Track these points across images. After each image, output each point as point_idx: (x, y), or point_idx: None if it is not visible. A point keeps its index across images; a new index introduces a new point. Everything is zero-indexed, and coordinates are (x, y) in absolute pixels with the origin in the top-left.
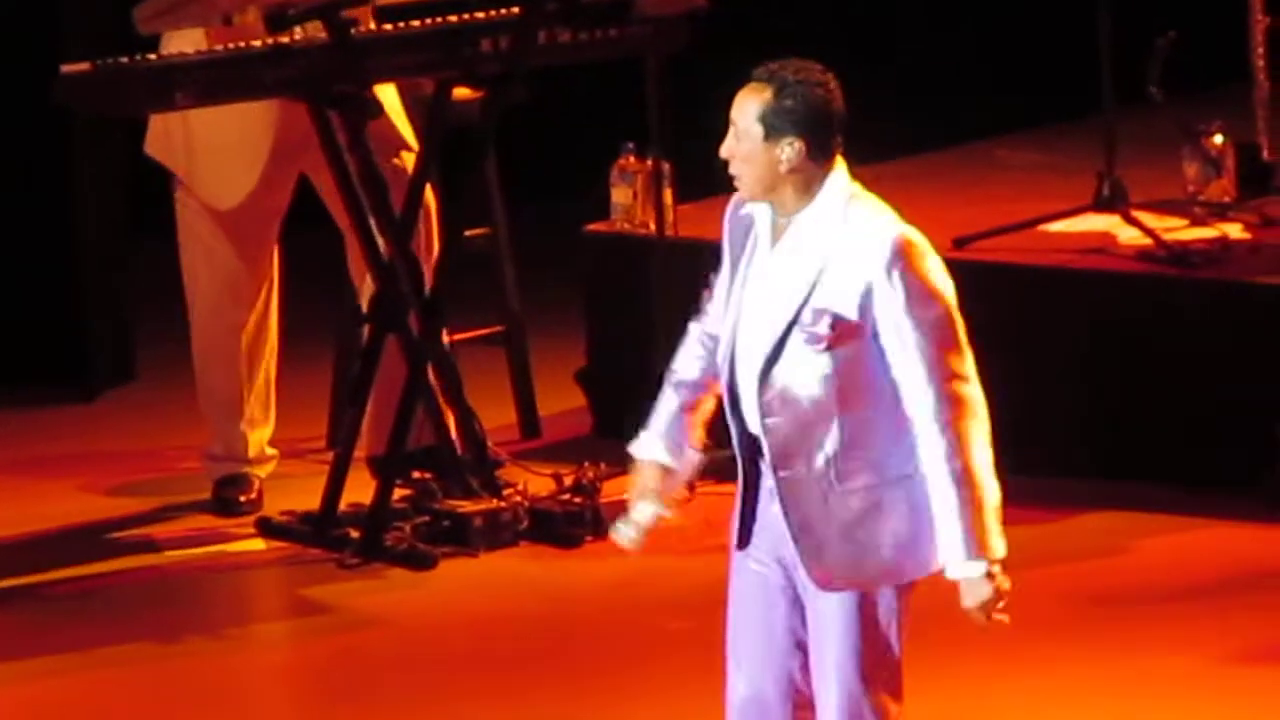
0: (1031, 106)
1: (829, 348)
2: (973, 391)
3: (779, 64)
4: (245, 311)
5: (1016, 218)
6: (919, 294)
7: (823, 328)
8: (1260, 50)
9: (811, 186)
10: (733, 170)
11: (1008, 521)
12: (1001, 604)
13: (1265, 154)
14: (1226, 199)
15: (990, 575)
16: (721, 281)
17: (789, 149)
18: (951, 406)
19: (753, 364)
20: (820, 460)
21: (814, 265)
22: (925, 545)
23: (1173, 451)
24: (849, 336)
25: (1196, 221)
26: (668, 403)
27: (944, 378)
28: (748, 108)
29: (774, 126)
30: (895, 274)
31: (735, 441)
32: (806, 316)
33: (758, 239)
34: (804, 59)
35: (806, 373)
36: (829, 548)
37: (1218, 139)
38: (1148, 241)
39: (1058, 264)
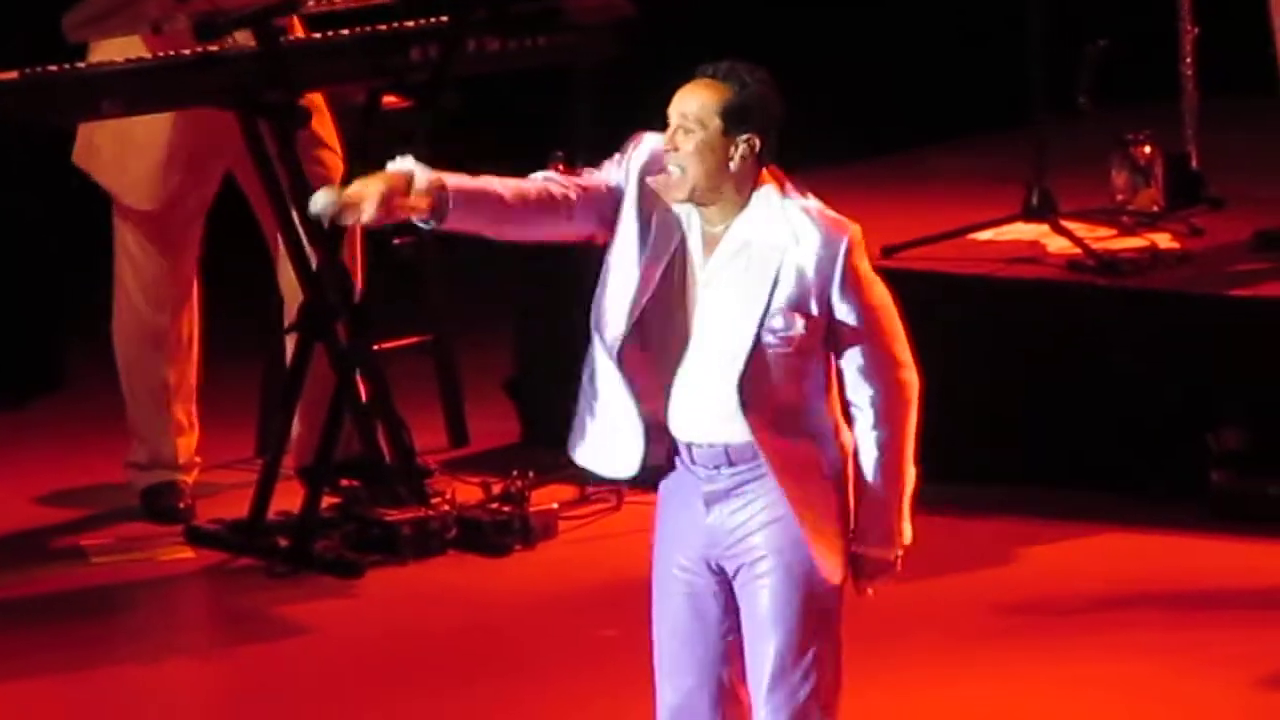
0: (961, 115)
1: (797, 345)
2: (912, 378)
3: (727, 63)
4: (167, 316)
5: (945, 226)
6: (867, 284)
7: (796, 329)
8: (1189, 60)
9: (745, 189)
10: (672, 166)
11: (940, 531)
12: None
13: (1194, 163)
14: (1155, 208)
15: (895, 560)
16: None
17: (744, 145)
18: (893, 393)
19: (722, 373)
20: (800, 452)
21: (769, 267)
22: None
23: (1104, 460)
24: (816, 332)
25: (1125, 231)
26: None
27: (889, 365)
28: (704, 102)
29: (734, 122)
30: (847, 266)
31: (661, 449)
32: (775, 319)
33: (689, 250)
34: (741, 61)
35: (777, 372)
36: (823, 532)
37: (1146, 148)
38: (1077, 250)
39: (986, 273)
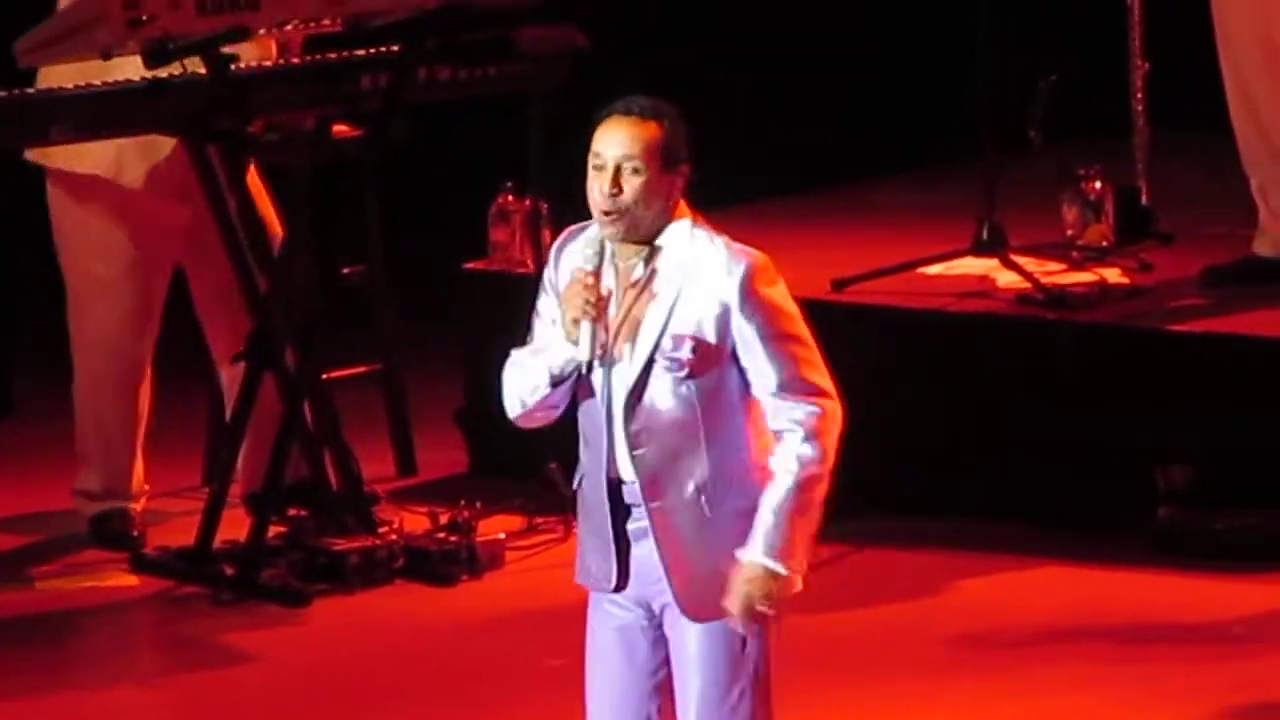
0: (911, 149)
1: (691, 374)
2: (827, 405)
3: (644, 100)
4: (147, 346)
5: (895, 260)
6: (774, 313)
7: (684, 353)
8: (1139, 95)
9: (670, 217)
10: (619, 206)
11: (887, 564)
12: (769, 608)
13: (1144, 198)
14: (1105, 243)
15: (789, 582)
16: (549, 312)
17: (681, 179)
18: (810, 421)
19: (618, 400)
20: (690, 489)
21: (670, 293)
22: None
23: (1052, 494)
24: (710, 360)
25: (1075, 265)
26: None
27: (804, 392)
28: (645, 141)
29: (670, 158)
30: (750, 295)
31: (593, 485)
32: (666, 343)
33: (614, 287)
34: (650, 97)
35: (672, 402)
36: (701, 578)
37: (1097, 183)
38: (1026, 285)
39: (936, 307)
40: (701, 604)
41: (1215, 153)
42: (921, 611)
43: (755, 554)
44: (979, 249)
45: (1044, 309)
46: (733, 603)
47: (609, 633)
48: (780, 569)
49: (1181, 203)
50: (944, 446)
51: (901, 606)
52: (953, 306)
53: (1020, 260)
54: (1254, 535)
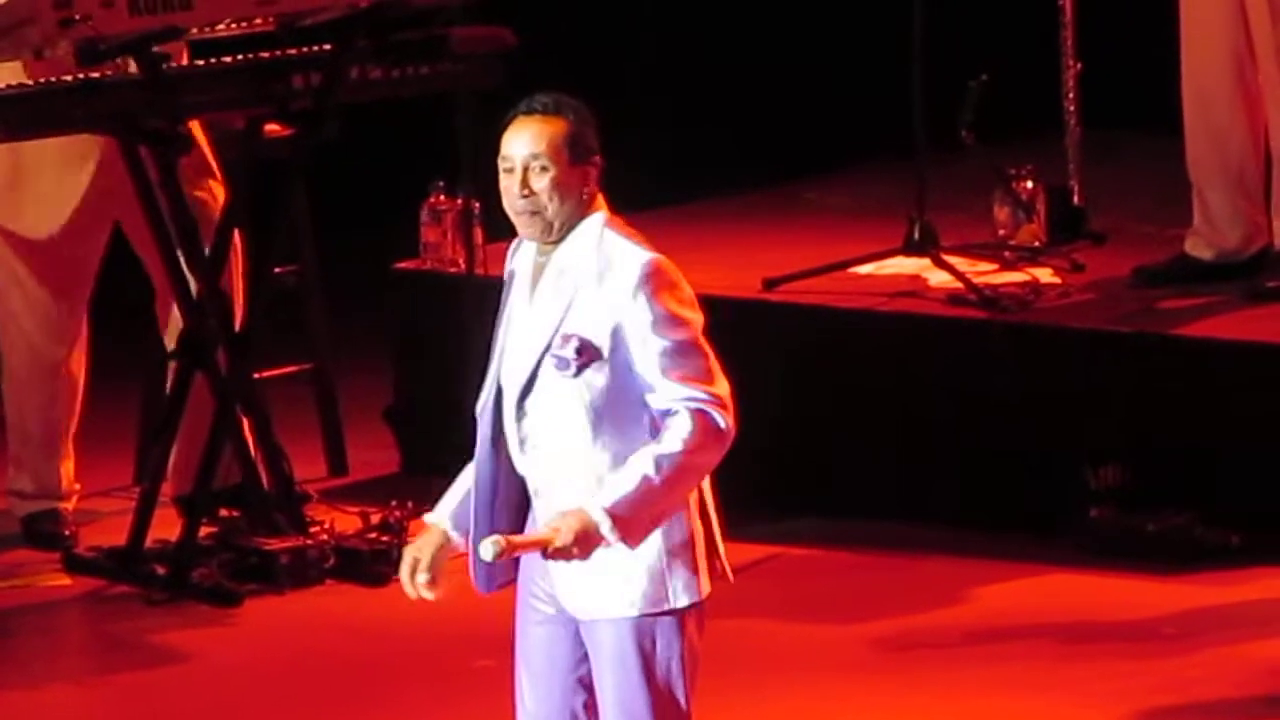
0: (842, 149)
1: (578, 373)
2: (716, 418)
3: (547, 96)
4: (65, 349)
5: (826, 260)
6: (665, 319)
7: (569, 351)
8: (1071, 95)
9: (586, 210)
10: (532, 207)
11: (818, 567)
12: (568, 559)
13: (1076, 198)
14: (1037, 243)
15: (599, 537)
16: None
17: (594, 171)
18: (690, 427)
19: (510, 396)
20: (579, 486)
21: (568, 292)
22: (683, 577)
23: (982, 495)
24: (596, 360)
25: (1007, 265)
26: (463, 480)
27: (687, 399)
28: (550, 138)
29: (579, 151)
30: (642, 298)
31: (484, 476)
32: (556, 342)
33: (517, 280)
34: (554, 92)
35: (561, 402)
36: (583, 576)
37: (1029, 183)
38: (958, 285)
39: (867, 306)
40: (585, 601)
41: (1147, 153)
42: (848, 613)
43: (595, 500)
44: (910, 249)
45: (976, 309)
46: (546, 529)
47: (532, 628)
48: (605, 529)
49: (1113, 203)
50: (872, 445)
51: (828, 608)
52: (884, 306)
53: (952, 260)
54: (1185, 535)
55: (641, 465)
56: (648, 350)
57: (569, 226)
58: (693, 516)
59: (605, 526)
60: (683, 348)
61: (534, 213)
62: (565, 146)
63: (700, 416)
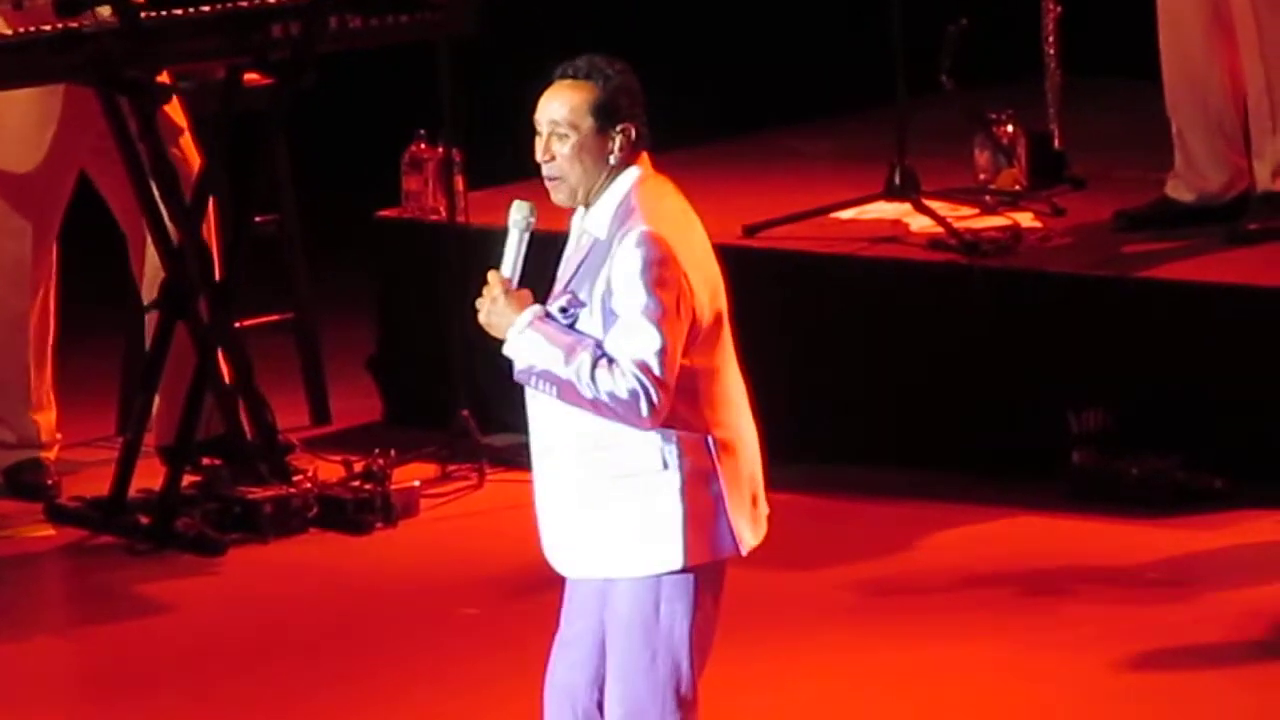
0: (823, 95)
1: (572, 327)
2: (643, 408)
3: (584, 60)
4: (29, 299)
5: (807, 205)
6: (628, 282)
7: (572, 309)
8: (1051, 39)
9: (616, 177)
10: (555, 172)
11: (795, 511)
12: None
13: (1056, 143)
14: (1018, 188)
15: (509, 315)
16: None
17: (620, 138)
18: (623, 396)
19: None
20: (574, 443)
21: (583, 253)
22: (671, 540)
23: (965, 440)
24: (584, 319)
25: (987, 210)
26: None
27: (634, 371)
28: (574, 104)
29: (605, 117)
30: (620, 262)
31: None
32: (564, 300)
33: (569, 239)
34: (597, 56)
35: None
36: (571, 533)
37: (1009, 128)
38: (939, 230)
39: (849, 252)
40: (567, 557)
41: (1127, 96)
42: (829, 558)
43: (540, 310)
44: (891, 194)
45: (957, 254)
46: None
47: (570, 586)
48: (521, 325)
49: (1093, 147)
50: (854, 391)
51: (808, 553)
52: (865, 251)
53: (933, 205)
54: (1169, 479)
55: (582, 349)
56: (614, 306)
57: (597, 191)
58: (698, 482)
59: (523, 320)
60: (634, 311)
61: (557, 178)
62: (589, 113)
63: (634, 395)
